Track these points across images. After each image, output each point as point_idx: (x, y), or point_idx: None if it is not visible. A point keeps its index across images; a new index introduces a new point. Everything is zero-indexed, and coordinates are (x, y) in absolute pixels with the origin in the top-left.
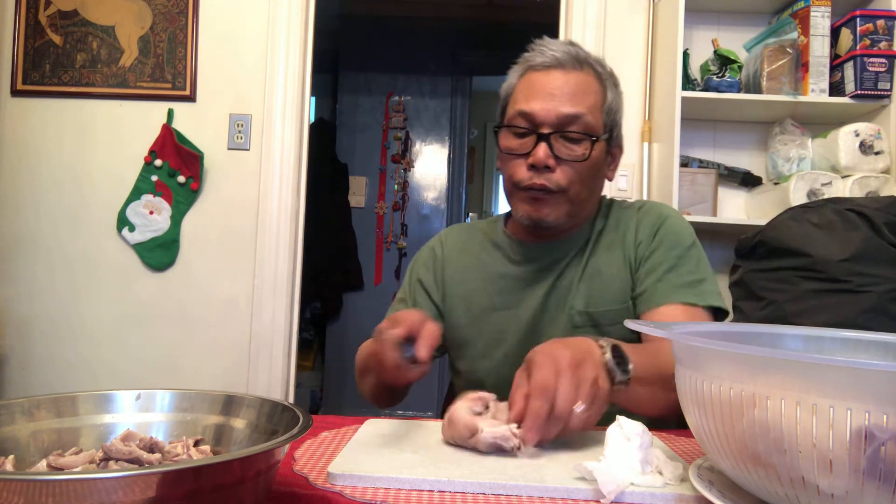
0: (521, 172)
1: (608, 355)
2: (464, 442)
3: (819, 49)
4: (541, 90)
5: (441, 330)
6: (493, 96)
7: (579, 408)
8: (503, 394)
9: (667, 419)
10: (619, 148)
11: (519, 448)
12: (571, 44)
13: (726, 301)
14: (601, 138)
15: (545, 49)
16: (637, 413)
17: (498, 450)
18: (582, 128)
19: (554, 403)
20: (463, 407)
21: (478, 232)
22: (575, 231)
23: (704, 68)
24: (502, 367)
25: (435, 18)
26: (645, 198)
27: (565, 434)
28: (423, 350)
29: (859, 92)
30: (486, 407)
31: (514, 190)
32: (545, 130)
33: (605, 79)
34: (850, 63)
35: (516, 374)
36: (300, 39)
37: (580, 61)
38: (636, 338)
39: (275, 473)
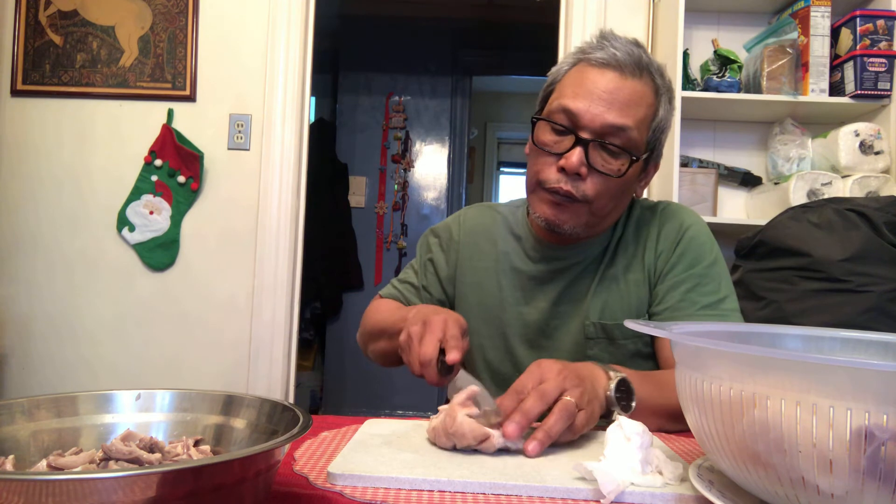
0: (550, 173)
1: (612, 388)
2: (466, 446)
3: (819, 49)
4: (591, 89)
5: (463, 321)
6: (494, 96)
7: (569, 397)
8: (502, 390)
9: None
10: (655, 166)
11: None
12: (637, 45)
13: None
14: (641, 158)
15: (607, 44)
16: None
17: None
18: (624, 142)
19: (538, 389)
20: (463, 417)
21: (499, 217)
22: (595, 237)
23: (704, 68)
24: (504, 363)
25: (435, 18)
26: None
27: (571, 432)
28: (452, 354)
29: (859, 92)
30: (475, 402)
31: (537, 187)
32: (585, 135)
33: (661, 93)
34: (850, 63)
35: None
36: (300, 39)
37: (641, 67)
38: (651, 352)
39: (275, 473)
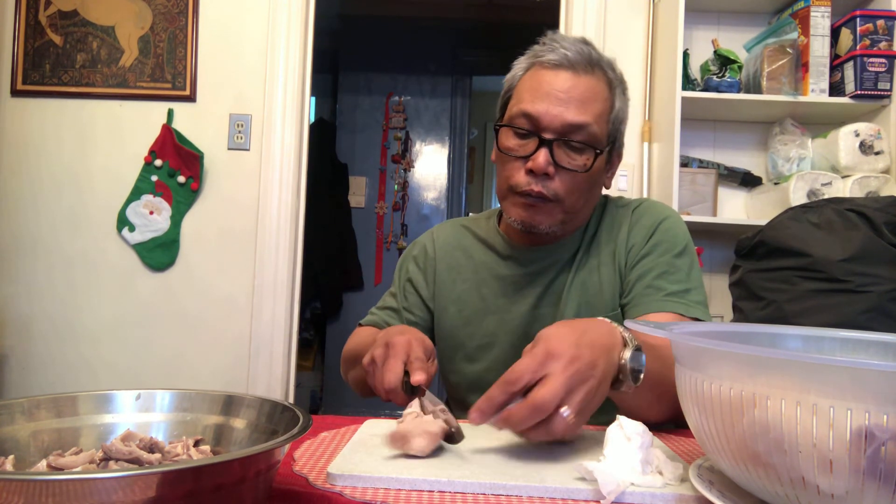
0: (519, 176)
1: (627, 356)
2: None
3: (819, 49)
4: (548, 91)
5: (429, 343)
6: (494, 96)
7: (565, 412)
8: None
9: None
10: (619, 156)
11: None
12: (585, 42)
13: (726, 302)
14: (604, 151)
15: (557, 45)
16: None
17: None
18: (586, 137)
19: (533, 396)
20: (415, 427)
21: (471, 229)
22: (568, 235)
23: (704, 68)
24: (492, 371)
25: (435, 18)
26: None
27: (548, 437)
28: (417, 375)
29: (859, 92)
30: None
31: (508, 193)
32: (548, 136)
33: (615, 85)
34: (850, 63)
35: (524, 351)
36: (300, 39)
37: (592, 63)
38: None
39: (275, 473)
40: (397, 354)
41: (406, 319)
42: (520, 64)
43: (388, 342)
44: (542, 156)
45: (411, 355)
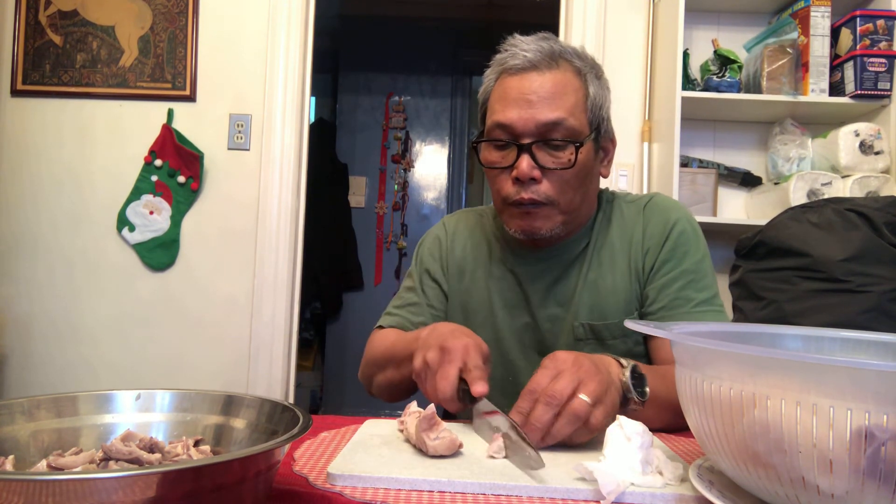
0: (508, 187)
1: (627, 375)
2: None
3: (819, 49)
4: (516, 97)
5: (485, 347)
6: None
7: (582, 397)
8: (497, 396)
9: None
10: (612, 141)
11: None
12: (545, 38)
13: (726, 302)
14: (587, 140)
15: (517, 49)
16: None
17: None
18: (564, 133)
19: (545, 391)
20: (432, 443)
21: (483, 222)
22: (575, 233)
23: (704, 68)
24: (497, 368)
25: (435, 18)
26: None
27: (576, 420)
28: (478, 387)
29: (859, 92)
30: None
31: (503, 206)
32: (526, 141)
33: (584, 72)
34: (850, 63)
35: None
36: (300, 39)
37: (555, 57)
38: (643, 351)
39: (275, 473)
40: (453, 361)
41: (429, 314)
42: (489, 76)
43: (442, 346)
44: (524, 162)
45: (469, 362)
